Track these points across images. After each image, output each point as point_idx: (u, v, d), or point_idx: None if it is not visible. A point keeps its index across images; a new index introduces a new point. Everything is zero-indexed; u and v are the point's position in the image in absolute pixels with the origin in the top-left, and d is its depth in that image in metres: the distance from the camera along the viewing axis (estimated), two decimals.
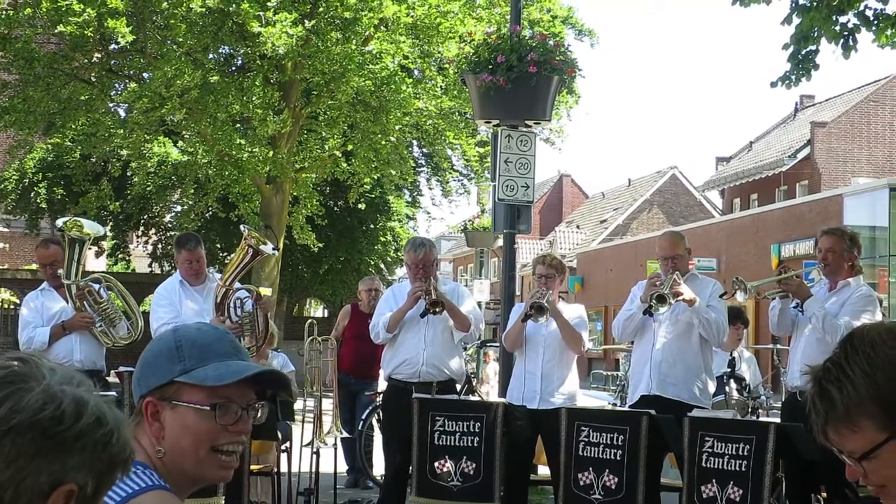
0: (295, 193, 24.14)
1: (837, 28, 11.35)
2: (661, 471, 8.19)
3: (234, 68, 24.10)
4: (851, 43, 11.47)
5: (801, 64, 11.62)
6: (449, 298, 8.67)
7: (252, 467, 8.31)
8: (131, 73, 22.70)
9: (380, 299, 9.51)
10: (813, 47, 11.57)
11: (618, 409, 12.44)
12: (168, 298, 8.80)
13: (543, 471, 9.39)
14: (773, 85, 12.00)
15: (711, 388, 8.51)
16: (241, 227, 9.25)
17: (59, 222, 9.35)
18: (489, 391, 17.48)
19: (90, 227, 9.20)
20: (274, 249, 10.40)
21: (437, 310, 8.50)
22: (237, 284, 8.70)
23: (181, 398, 2.56)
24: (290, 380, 2.74)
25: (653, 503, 7.87)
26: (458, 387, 9.31)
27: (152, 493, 2.42)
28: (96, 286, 9.02)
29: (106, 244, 35.99)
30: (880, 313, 8.29)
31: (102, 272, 10.38)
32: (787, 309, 8.08)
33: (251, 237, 8.70)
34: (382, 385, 12.94)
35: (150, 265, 36.55)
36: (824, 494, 7.97)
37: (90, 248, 34.34)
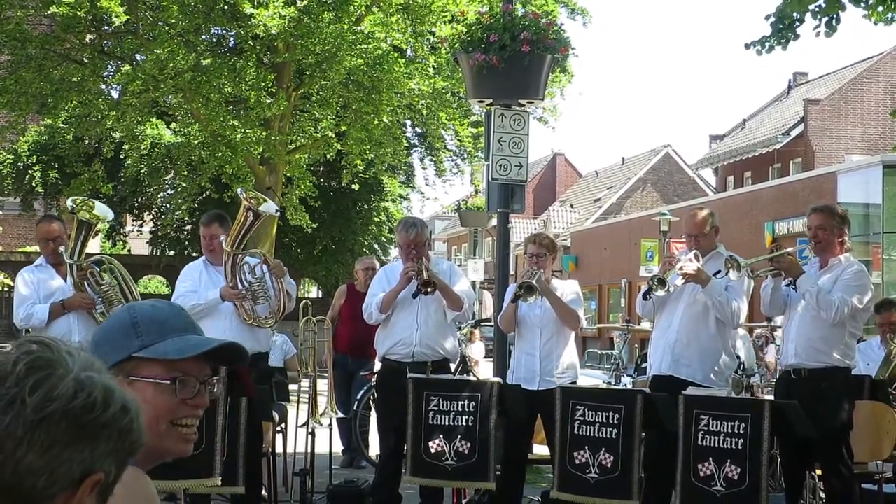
0: (288, 174, 24.10)
1: (823, 3, 11.29)
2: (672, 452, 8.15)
3: (225, 49, 24.01)
4: (835, 23, 11.41)
5: (781, 32, 11.54)
6: (441, 278, 8.66)
7: None
8: (124, 54, 22.62)
9: (373, 280, 9.48)
10: (797, 17, 11.50)
11: (613, 387, 12.47)
12: (190, 276, 8.83)
13: (539, 450, 9.40)
14: (748, 47, 11.90)
15: (729, 370, 8.45)
16: (238, 190, 9.16)
17: (70, 201, 9.15)
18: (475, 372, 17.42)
19: (101, 210, 9.07)
20: (277, 210, 10.29)
21: (429, 290, 8.49)
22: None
23: (139, 373, 2.55)
24: (247, 351, 2.74)
25: (660, 483, 7.88)
26: (453, 366, 9.30)
27: None
28: (98, 268, 8.96)
29: (101, 226, 35.97)
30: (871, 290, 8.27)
31: (103, 255, 10.21)
32: (779, 288, 8.05)
33: (249, 199, 8.63)
34: (377, 366, 12.94)
35: (151, 251, 36.47)
36: (819, 472, 8.00)
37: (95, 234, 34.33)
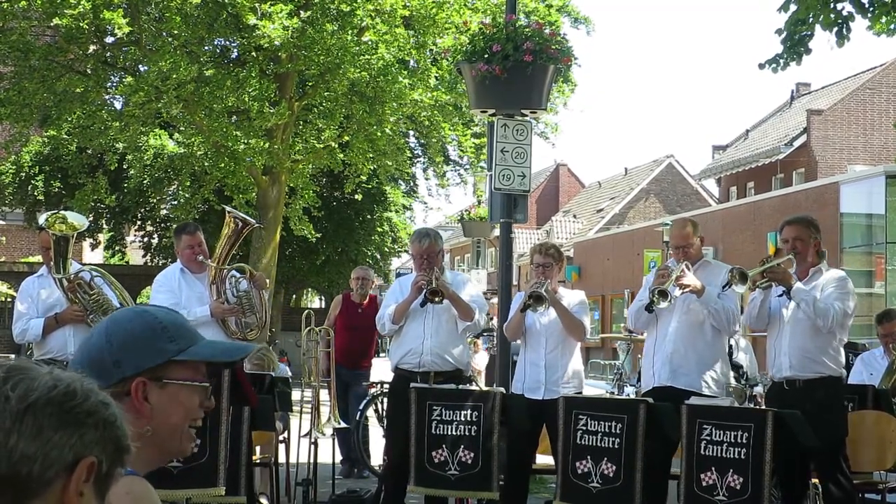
0: (291, 185, 24.12)
1: (832, 15, 11.31)
2: (668, 460, 8.14)
3: (228, 60, 24.04)
4: (845, 32, 11.43)
5: (793, 48, 11.57)
6: (452, 289, 8.67)
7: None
8: (126, 64, 22.64)
9: (387, 291, 9.53)
10: (807, 32, 11.52)
11: (616, 397, 12.46)
12: (167, 285, 8.76)
13: (542, 460, 9.39)
14: (762, 66, 11.93)
15: (725, 378, 8.46)
16: (226, 208, 9.21)
17: (42, 220, 9.09)
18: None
19: (74, 219, 9.09)
20: (258, 223, 10.37)
21: (436, 299, 8.51)
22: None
23: (175, 377, 2.60)
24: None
25: (655, 491, 7.87)
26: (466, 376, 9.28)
27: (125, 478, 2.43)
28: (87, 276, 8.96)
29: (102, 237, 35.94)
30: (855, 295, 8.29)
31: (94, 265, 10.21)
32: (766, 301, 8.09)
33: (235, 213, 8.74)
34: (373, 376, 12.94)
35: (143, 256, 36.55)
36: (817, 481, 7.99)
37: (85, 239, 34.50)
